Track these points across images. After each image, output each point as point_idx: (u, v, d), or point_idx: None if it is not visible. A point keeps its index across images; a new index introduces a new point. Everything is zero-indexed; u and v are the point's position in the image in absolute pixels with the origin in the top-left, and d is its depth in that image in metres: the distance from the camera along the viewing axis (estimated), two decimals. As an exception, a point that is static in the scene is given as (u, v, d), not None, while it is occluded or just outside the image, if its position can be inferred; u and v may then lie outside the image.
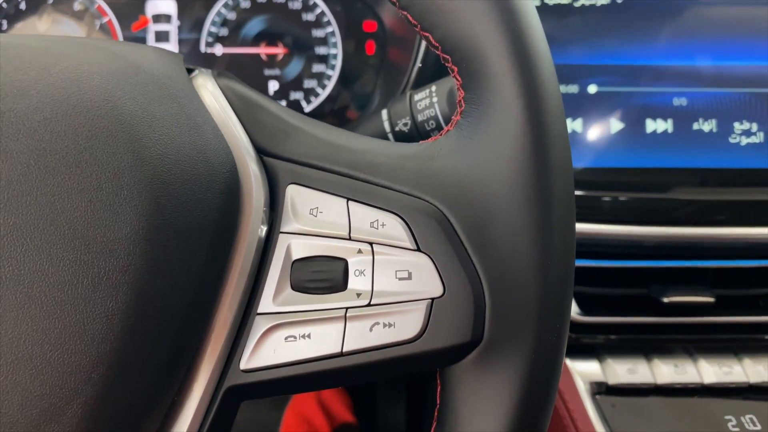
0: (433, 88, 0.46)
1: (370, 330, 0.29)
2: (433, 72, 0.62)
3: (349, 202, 0.31)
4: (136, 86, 0.30)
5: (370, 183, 0.31)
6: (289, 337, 0.30)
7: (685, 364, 0.57)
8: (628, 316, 0.59)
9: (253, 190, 0.31)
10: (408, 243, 0.30)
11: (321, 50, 0.71)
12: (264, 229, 0.31)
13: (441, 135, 0.32)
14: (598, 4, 0.62)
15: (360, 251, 0.30)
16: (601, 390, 0.57)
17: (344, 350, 0.29)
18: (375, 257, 0.30)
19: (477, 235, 0.29)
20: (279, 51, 0.70)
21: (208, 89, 0.33)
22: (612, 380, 0.57)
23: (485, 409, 0.29)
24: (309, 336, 0.30)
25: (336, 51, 0.71)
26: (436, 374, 0.32)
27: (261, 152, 0.32)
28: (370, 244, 0.30)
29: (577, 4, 0.62)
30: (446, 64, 0.32)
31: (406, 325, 0.29)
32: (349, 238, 0.30)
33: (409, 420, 1.01)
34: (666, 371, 0.57)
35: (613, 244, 0.59)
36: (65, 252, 0.27)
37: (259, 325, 0.30)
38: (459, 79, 0.32)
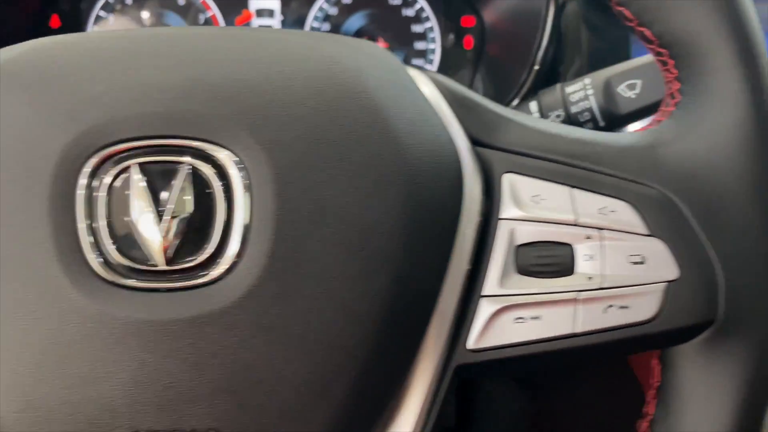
0: (587, 81, 0.47)
1: (605, 312, 0.31)
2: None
3: (574, 189, 0.32)
4: (381, 79, 0.31)
5: (593, 171, 0.32)
6: (518, 318, 0.31)
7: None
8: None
9: (471, 179, 0.33)
10: (640, 228, 0.31)
11: (419, 45, 0.72)
12: (480, 216, 0.33)
13: (653, 125, 0.34)
14: None
15: (588, 237, 0.31)
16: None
17: (578, 331, 0.31)
18: (605, 242, 0.31)
19: (709, 220, 0.31)
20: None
21: (423, 82, 0.34)
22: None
23: (714, 389, 0.31)
24: (539, 318, 0.31)
25: (434, 46, 0.72)
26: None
27: (474, 143, 0.34)
28: (599, 229, 0.31)
29: None
30: (659, 58, 0.33)
31: (641, 307, 0.30)
32: (576, 224, 0.32)
33: (459, 416, 1.03)
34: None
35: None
36: (335, 235, 0.28)
37: (486, 308, 0.32)
38: (674, 71, 0.33)
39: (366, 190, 0.29)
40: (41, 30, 0.69)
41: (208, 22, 0.70)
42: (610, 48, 0.68)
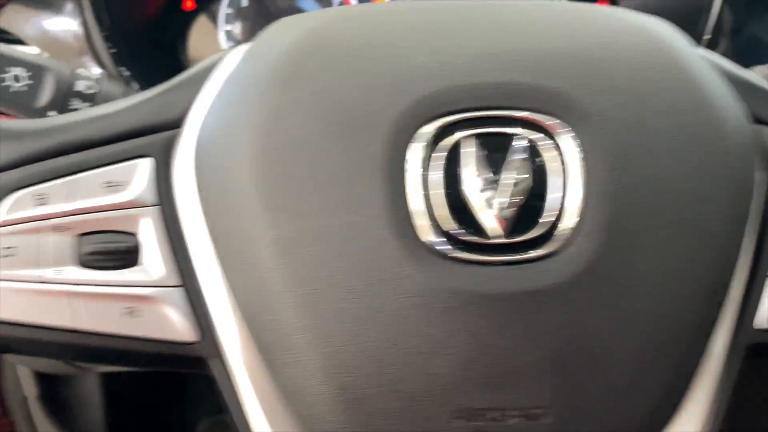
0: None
1: None
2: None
3: None
4: (687, 53, 0.30)
5: None
6: None
7: None
8: None
9: (756, 156, 0.32)
10: None
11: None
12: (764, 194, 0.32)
13: None
14: None
15: None
16: None
17: None
18: None
19: None
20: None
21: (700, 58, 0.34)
22: None
23: None
24: None
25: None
26: None
27: (755, 120, 0.33)
28: None
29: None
30: None
31: None
32: None
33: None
34: None
35: None
36: (669, 210, 0.28)
37: None
38: None
39: (695, 164, 0.28)
40: (176, 12, 0.68)
41: (341, 4, 0.70)
42: (753, 37, 0.67)
